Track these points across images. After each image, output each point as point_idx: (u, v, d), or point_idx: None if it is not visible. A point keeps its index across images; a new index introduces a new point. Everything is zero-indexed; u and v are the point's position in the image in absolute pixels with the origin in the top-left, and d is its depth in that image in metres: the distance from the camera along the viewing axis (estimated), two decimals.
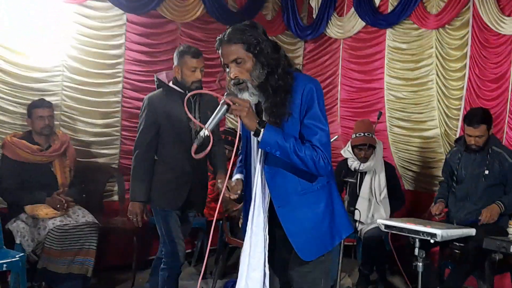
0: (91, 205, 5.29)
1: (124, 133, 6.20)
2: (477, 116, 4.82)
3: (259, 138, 2.63)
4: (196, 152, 2.60)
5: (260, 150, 2.78)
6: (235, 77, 2.67)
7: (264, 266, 2.82)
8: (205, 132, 2.59)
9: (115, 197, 6.07)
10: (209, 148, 2.60)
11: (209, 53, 6.70)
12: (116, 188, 6.08)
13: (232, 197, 2.89)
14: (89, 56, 5.88)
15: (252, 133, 2.67)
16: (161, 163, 4.28)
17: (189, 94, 2.91)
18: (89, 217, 4.92)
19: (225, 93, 2.66)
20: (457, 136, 5.75)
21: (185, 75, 4.15)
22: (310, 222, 2.79)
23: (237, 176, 3.05)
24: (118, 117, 6.15)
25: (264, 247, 2.81)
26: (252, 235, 2.83)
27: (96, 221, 4.92)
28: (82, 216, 4.90)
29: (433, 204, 5.18)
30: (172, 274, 4.24)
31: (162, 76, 4.28)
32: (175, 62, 4.17)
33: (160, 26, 6.40)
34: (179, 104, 4.09)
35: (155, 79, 4.29)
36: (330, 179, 2.87)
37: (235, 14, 6.86)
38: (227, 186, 2.87)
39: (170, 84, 4.20)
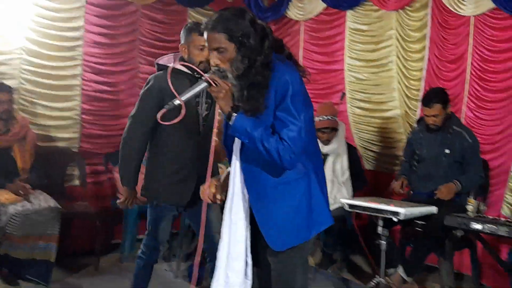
0: (53, 190, 5.23)
1: (84, 116, 6.12)
2: (431, 96, 4.95)
3: (230, 123, 2.64)
4: (163, 120, 2.62)
5: (237, 141, 2.77)
6: (216, 65, 2.67)
7: (246, 255, 2.80)
8: (177, 101, 2.59)
9: (76, 182, 6.00)
10: (177, 119, 2.61)
11: (169, 35, 6.69)
12: (77, 172, 6.00)
13: (217, 201, 2.92)
14: (48, 38, 5.78)
15: (224, 117, 2.67)
16: (163, 152, 3.88)
17: (170, 67, 2.88)
18: (51, 202, 4.87)
19: (210, 72, 2.67)
20: (417, 116, 5.84)
21: (192, 54, 3.80)
22: (282, 214, 2.74)
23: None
24: (78, 100, 6.07)
25: (246, 236, 2.80)
26: (231, 224, 2.81)
27: (59, 206, 4.87)
28: (44, 201, 4.84)
29: (394, 180, 5.26)
30: (148, 263, 4.09)
31: (163, 60, 3.95)
32: (182, 40, 3.85)
33: (120, 8, 6.31)
34: (186, 87, 3.79)
35: (155, 66, 3.94)
36: (310, 170, 2.80)
37: None
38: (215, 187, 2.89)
39: (177, 65, 3.77)
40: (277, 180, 2.74)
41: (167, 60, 3.93)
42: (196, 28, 3.74)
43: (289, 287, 2.83)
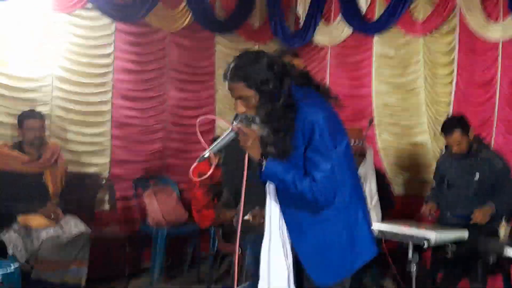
0: (83, 215, 5.26)
1: (114, 142, 6.19)
2: (449, 123, 4.90)
3: (262, 170, 2.64)
4: (199, 176, 2.66)
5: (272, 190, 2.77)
6: (242, 112, 2.66)
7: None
8: (207, 153, 2.61)
9: (106, 206, 6.06)
10: (209, 172, 2.62)
11: (197, 61, 6.77)
12: (107, 197, 6.06)
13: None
14: (79, 65, 5.89)
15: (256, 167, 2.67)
16: None
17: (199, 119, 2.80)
18: (82, 227, 4.90)
19: (237, 119, 2.67)
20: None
21: None
22: (325, 250, 2.73)
23: None
24: (108, 126, 6.14)
25: (288, 273, 2.78)
26: (269, 262, 2.80)
27: (89, 231, 4.90)
28: (74, 225, 4.88)
29: (424, 204, 5.22)
30: None
31: None
32: None
33: (149, 35, 6.41)
34: None
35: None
36: (351, 203, 2.76)
37: (222, 22, 6.89)
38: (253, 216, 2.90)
39: None
40: (316, 219, 2.73)
41: None
42: None
43: None
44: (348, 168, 2.79)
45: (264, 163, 2.62)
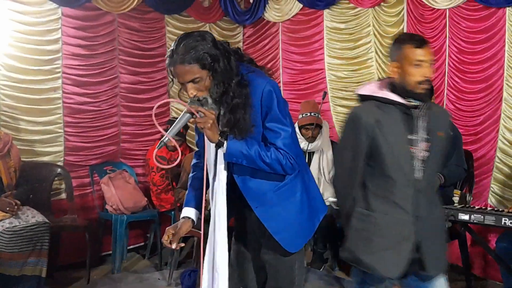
0: (40, 205, 5.18)
1: (67, 129, 6.07)
2: None
3: (223, 150, 2.63)
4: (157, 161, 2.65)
5: (223, 160, 2.74)
6: (194, 95, 2.59)
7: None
8: (165, 138, 2.57)
9: (63, 195, 5.95)
10: (177, 161, 2.62)
11: (147, 43, 6.69)
12: (63, 185, 5.97)
13: (171, 247, 2.82)
14: (26, 53, 5.74)
15: (213, 145, 2.66)
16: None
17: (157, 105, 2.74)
18: (39, 217, 4.83)
19: (189, 101, 2.61)
20: None
21: (407, 74, 2.92)
22: (290, 214, 2.80)
23: (186, 211, 2.95)
24: (60, 113, 6.02)
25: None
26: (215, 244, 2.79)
27: (47, 221, 4.82)
28: (31, 216, 4.79)
29: None
30: None
31: (365, 89, 3.13)
32: (390, 57, 3.04)
33: (97, 18, 6.28)
34: (397, 121, 2.96)
35: (357, 96, 3.17)
36: (300, 167, 2.85)
37: (172, 2, 6.80)
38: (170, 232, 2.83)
39: (385, 93, 3.02)
40: (276, 184, 2.77)
41: (370, 88, 3.11)
42: (408, 40, 2.95)
43: (288, 286, 2.86)
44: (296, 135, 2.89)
45: (225, 143, 2.61)
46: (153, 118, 2.65)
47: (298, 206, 2.82)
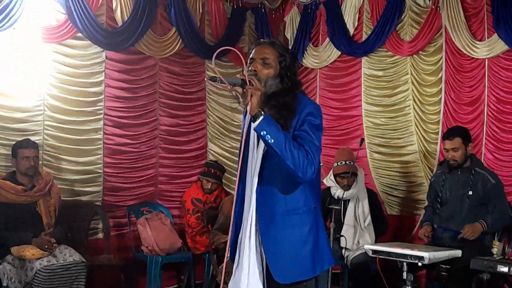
0: (77, 244, 5.28)
1: (106, 170, 6.20)
2: (453, 129, 5.11)
3: (258, 121, 2.66)
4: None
5: (255, 164, 2.82)
6: (254, 70, 2.82)
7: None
8: (218, 76, 2.67)
9: (100, 235, 6.04)
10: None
11: (188, 87, 6.81)
12: (100, 225, 6.05)
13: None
14: (70, 94, 5.91)
15: (250, 117, 2.70)
16: None
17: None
18: (76, 256, 4.90)
19: (247, 73, 2.76)
20: (436, 159, 5.86)
21: None
22: (291, 243, 2.80)
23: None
24: (100, 154, 6.15)
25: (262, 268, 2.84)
26: (250, 254, 2.82)
27: (84, 260, 4.90)
28: (69, 255, 4.87)
29: (417, 226, 5.25)
30: None
31: None
32: None
33: (139, 62, 6.45)
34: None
35: None
36: (317, 205, 2.90)
37: (212, 47, 6.93)
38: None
39: None
40: (288, 209, 2.80)
41: None
42: None
43: None
44: (318, 179, 2.95)
45: (263, 115, 2.66)
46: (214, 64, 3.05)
47: (303, 239, 2.81)
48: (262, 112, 2.67)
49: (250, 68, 2.84)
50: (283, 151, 2.65)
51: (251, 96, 2.67)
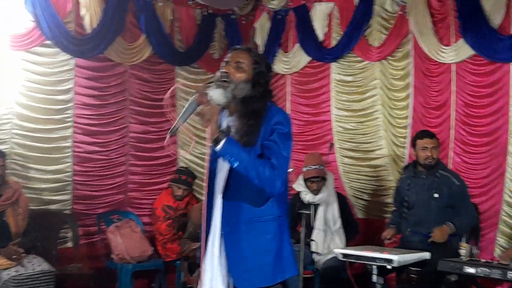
0: (46, 253, 5.23)
1: (76, 178, 6.14)
2: (423, 131, 5.20)
3: (220, 146, 2.67)
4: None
5: (221, 178, 2.84)
6: (226, 72, 2.82)
7: None
8: (177, 124, 2.67)
9: (69, 244, 5.98)
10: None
11: (157, 93, 6.77)
12: (70, 234, 5.99)
13: None
14: (38, 102, 5.86)
15: (212, 141, 2.71)
16: None
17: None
18: (45, 266, 4.86)
19: (215, 78, 2.80)
20: (405, 163, 5.91)
21: None
22: (253, 250, 2.81)
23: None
24: (69, 162, 6.10)
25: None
26: (213, 257, 2.86)
27: (53, 269, 4.85)
28: (37, 265, 4.83)
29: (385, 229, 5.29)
30: None
31: None
32: None
33: (109, 69, 6.41)
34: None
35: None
36: (283, 214, 2.91)
37: (183, 54, 6.92)
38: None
39: None
40: (252, 217, 2.81)
41: None
42: None
43: None
44: (286, 186, 2.95)
45: (224, 139, 2.67)
46: (165, 102, 2.85)
47: (264, 247, 2.83)
48: (222, 137, 2.68)
49: (222, 70, 2.85)
50: (248, 172, 2.70)
51: (211, 120, 2.69)
